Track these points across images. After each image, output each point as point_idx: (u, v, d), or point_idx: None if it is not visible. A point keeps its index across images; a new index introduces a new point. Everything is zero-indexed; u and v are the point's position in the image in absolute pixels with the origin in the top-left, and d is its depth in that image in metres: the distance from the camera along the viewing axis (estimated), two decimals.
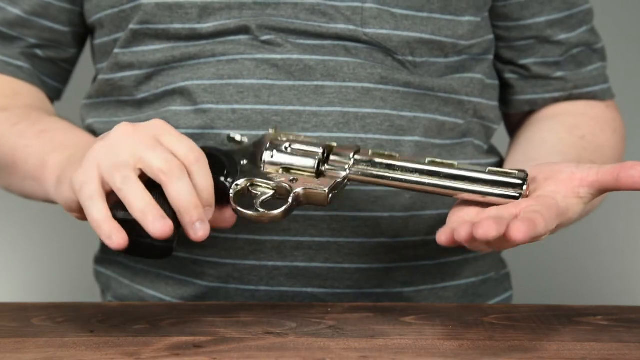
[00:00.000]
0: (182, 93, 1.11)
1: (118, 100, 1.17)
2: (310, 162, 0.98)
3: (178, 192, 0.91)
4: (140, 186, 0.90)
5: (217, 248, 1.11)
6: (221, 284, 1.13)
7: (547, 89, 1.21)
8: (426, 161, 0.97)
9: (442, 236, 0.91)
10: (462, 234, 0.88)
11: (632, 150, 1.66)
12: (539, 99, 1.22)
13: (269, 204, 0.97)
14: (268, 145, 0.99)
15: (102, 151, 0.92)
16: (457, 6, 1.13)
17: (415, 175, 0.96)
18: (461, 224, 0.89)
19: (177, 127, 1.10)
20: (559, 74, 1.21)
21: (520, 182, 0.93)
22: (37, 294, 1.83)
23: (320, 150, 0.98)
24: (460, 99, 1.15)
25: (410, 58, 1.12)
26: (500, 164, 1.20)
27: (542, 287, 1.80)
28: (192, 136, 1.09)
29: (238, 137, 1.04)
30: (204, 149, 0.97)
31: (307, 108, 1.09)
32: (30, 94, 1.21)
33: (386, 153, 0.99)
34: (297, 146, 0.99)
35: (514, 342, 0.93)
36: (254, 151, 1.00)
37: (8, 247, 1.84)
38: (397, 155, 0.99)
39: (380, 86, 1.10)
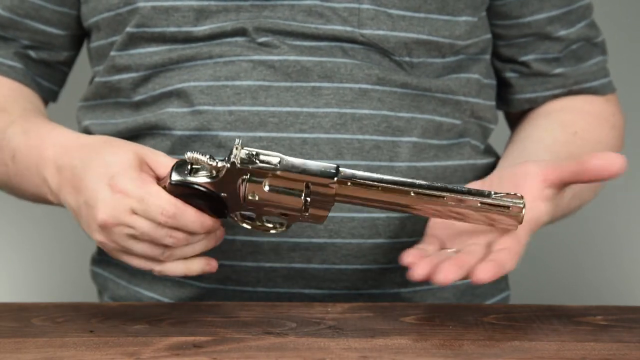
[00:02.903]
0: (179, 95, 1.11)
1: (115, 102, 1.17)
2: (298, 203, 0.95)
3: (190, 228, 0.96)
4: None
5: (214, 250, 1.11)
6: (219, 286, 1.13)
7: (546, 86, 1.21)
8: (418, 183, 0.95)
9: (408, 258, 0.96)
10: (420, 274, 0.93)
11: (633, 147, 1.66)
12: (539, 97, 1.22)
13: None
14: (245, 185, 0.95)
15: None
16: (454, 6, 1.13)
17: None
18: (421, 261, 0.94)
19: (173, 129, 1.10)
20: (558, 70, 1.20)
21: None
22: (37, 294, 1.83)
23: (302, 194, 0.94)
24: (457, 99, 1.15)
25: (407, 59, 1.12)
26: (496, 163, 1.20)
27: (542, 287, 1.80)
28: (189, 138, 1.10)
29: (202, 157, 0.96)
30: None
31: (304, 109, 1.09)
32: (23, 93, 1.21)
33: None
34: (276, 186, 0.95)
35: (514, 342, 0.93)
36: (230, 180, 0.95)
37: (8, 247, 1.84)
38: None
39: (377, 87, 1.10)
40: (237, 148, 0.93)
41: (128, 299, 1.19)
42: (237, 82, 1.10)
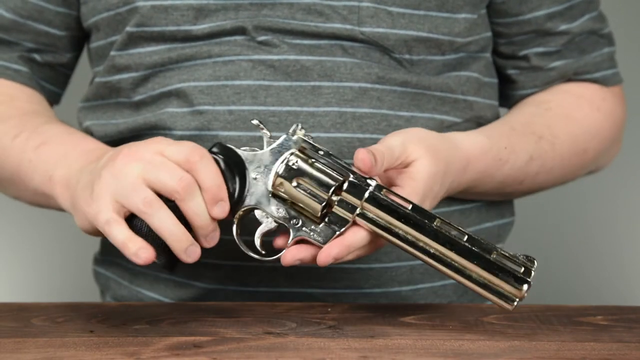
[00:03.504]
0: (179, 95, 1.11)
1: (116, 103, 1.17)
2: (316, 206, 0.95)
3: (193, 210, 0.94)
4: (164, 208, 0.93)
5: (215, 250, 1.11)
6: (220, 286, 1.13)
7: (547, 80, 1.21)
8: (436, 223, 0.94)
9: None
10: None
11: (633, 147, 1.66)
12: (540, 92, 1.22)
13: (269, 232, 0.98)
14: (282, 171, 0.97)
15: (111, 180, 0.94)
16: (453, 4, 1.13)
17: (422, 241, 0.94)
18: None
19: (173, 129, 1.10)
20: (558, 63, 1.20)
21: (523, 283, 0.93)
22: (37, 294, 1.83)
23: (326, 197, 0.95)
24: (456, 98, 1.15)
25: (407, 56, 1.12)
26: None
27: (542, 287, 1.80)
28: (189, 138, 1.09)
29: (263, 129, 1.00)
30: (214, 147, 0.98)
31: (304, 108, 1.09)
32: (29, 97, 1.21)
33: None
34: (306, 185, 0.96)
35: (514, 342, 0.93)
36: (269, 163, 0.98)
37: (8, 247, 1.84)
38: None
39: (377, 86, 1.10)
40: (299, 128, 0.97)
41: (130, 299, 1.19)
42: (237, 82, 1.10)
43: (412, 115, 1.11)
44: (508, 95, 1.24)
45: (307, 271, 1.11)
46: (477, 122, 1.18)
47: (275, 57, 1.10)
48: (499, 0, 1.18)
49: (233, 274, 1.12)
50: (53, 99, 1.25)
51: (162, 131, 1.11)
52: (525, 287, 0.92)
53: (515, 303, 0.93)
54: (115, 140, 1.16)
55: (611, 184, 1.70)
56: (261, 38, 1.10)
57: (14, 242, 1.84)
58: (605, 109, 1.20)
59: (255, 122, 0.99)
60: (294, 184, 0.96)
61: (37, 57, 1.21)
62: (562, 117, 1.17)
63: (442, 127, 1.13)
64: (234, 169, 0.97)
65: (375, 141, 1.09)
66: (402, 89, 1.11)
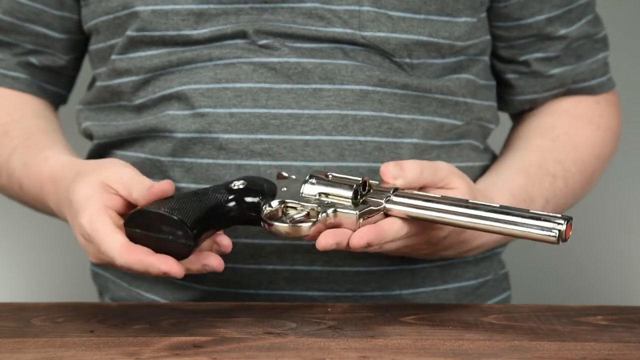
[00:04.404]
0: (180, 97, 1.11)
1: (117, 106, 1.17)
2: (348, 191, 0.97)
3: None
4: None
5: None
6: (220, 288, 1.13)
7: (546, 87, 1.22)
8: (468, 201, 0.96)
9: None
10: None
11: (633, 147, 1.66)
12: (539, 98, 1.23)
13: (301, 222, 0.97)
14: (310, 174, 0.99)
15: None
16: (453, 7, 1.13)
17: (455, 209, 0.95)
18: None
19: (174, 131, 1.11)
20: (557, 70, 1.21)
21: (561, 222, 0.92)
22: (37, 294, 1.83)
23: (359, 180, 0.97)
24: (456, 100, 1.15)
25: (407, 60, 1.12)
26: (493, 162, 1.20)
27: (542, 287, 1.80)
28: (190, 140, 1.10)
29: (286, 174, 1.03)
30: (248, 177, 1.00)
31: (305, 111, 1.09)
32: (29, 106, 1.21)
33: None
34: (338, 176, 0.99)
35: (514, 342, 0.93)
36: (297, 183, 1.00)
37: (8, 247, 1.84)
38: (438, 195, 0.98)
39: (378, 88, 1.10)
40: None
41: (128, 301, 1.19)
42: (238, 85, 1.10)
43: (413, 118, 1.11)
44: (506, 99, 1.24)
45: (307, 274, 1.11)
46: (478, 124, 1.18)
47: (276, 60, 1.10)
48: (500, 4, 1.18)
49: (233, 276, 1.12)
50: (58, 100, 1.26)
51: (162, 133, 1.11)
52: (565, 222, 0.92)
53: (557, 233, 0.92)
54: (114, 142, 1.16)
55: (611, 184, 1.69)
56: (262, 42, 1.10)
57: (14, 242, 1.84)
58: (604, 126, 1.22)
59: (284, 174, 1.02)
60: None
61: (35, 61, 1.21)
62: (569, 145, 1.19)
63: (443, 130, 1.13)
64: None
65: (376, 144, 1.09)
66: (403, 92, 1.11)
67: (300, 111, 1.09)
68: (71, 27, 1.20)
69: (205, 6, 1.10)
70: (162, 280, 1.16)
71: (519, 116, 1.26)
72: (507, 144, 1.24)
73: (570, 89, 1.22)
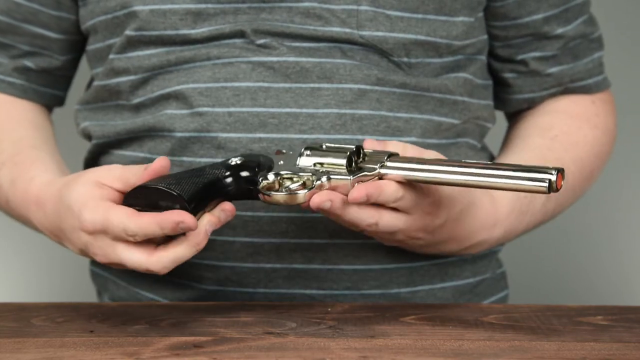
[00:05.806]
0: (178, 97, 1.11)
1: (116, 105, 1.17)
2: (342, 159, 0.98)
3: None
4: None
5: (215, 251, 1.11)
6: (219, 287, 1.13)
7: (544, 86, 1.22)
8: (462, 161, 0.97)
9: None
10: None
11: (633, 146, 1.66)
12: (536, 97, 1.23)
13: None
14: (305, 146, 1.00)
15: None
16: (451, 7, 1.13)
17: (449, 169, 0.96)
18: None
19: (173, 130, 1.11)
20: (555, 69, 1.21)
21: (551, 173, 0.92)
22: (37, 294, 1.83)
23: (353, 148, 0.98)
24: (454, 99, 1.15)
25: (405, 59, 1.12)
26: (490, 160, 1.21)
27: (541, 287, 1.80)
28: (188, 139, 1.10)
29: (284, 150, 1.04)
30: (245, 154, 1.01)
31: (304, 110, 1.09)
32: (23, 113, 1.21)
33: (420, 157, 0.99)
34: (332, 145, 1.00)
35: (514, 342, 0.93)
36: (293, 157, 1.00)
37: (8, 247, 1.84)
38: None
39: (376, 87, 1.10)
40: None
41: (128, 300, 1.19)
42: (236, 84, 1.10)
43: (410, 117, 1.12)
44: (504, 98, 1.25)
45: (306, 272, 1.11)
46: (475, 123, 1.18)
47: (274, 59, 1.10)
48: (497, 4, 1.18)
49: (232, 275, 1.12)
50: (55, 102, 1.26)
51: (160, 132, 1.11)
52: (555, 172, 0.92)
53: (547, 182, 0.92)
54: (113, 142, 1.16)
55: (611, 184, 1.69)
56: (260, 41, 1.10)
57: (14, 242, 1.84)
58: (600, 125, 1.22)
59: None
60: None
61: (31, 64, 1.20)
62: (568, 144, 1.19)
63: (441, 129, 1.13)
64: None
65: None
66: (401, 91, 1.12)
67: (298, 110, 1.09)
68: (68, 27, 1.20)
69: (203, 6, 1.10)
70: (162, 279, 1.16)
71: (515, 115, 1.27)
72: (506, 143, 1.24)
73: (567, 88, 1.22)
